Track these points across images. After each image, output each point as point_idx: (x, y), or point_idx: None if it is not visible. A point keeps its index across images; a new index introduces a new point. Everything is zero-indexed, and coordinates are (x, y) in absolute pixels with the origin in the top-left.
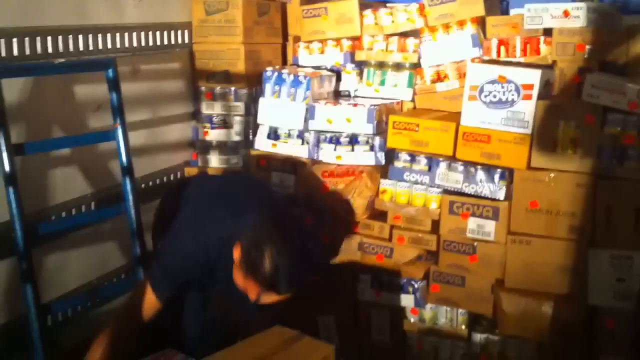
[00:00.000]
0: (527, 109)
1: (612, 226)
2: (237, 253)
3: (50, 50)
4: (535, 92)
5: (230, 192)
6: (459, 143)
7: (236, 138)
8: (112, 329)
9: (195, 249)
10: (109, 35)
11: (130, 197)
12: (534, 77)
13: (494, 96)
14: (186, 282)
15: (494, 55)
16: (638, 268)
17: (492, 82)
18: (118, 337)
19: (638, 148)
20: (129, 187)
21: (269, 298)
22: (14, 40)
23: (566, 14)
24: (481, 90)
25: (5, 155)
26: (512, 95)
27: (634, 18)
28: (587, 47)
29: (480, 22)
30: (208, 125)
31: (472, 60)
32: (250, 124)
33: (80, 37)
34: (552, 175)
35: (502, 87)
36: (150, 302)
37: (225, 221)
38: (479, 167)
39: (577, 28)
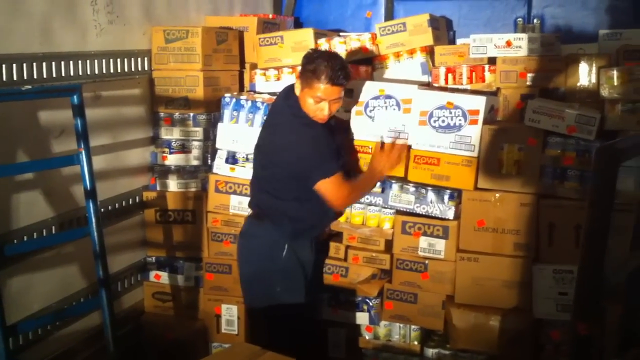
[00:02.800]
0: (474, 133)
1: (554, 242)
2: (297, 83)
3: (15, 77)
4: (480, 117)
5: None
6: (410, 165)
7: (195, 162)
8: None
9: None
10: (72, 62)
11: (94, 219)
12: (480, 103)
13: (443, 121)
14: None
15: (442, 83)
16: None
17: (441, 107)
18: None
19: (577, 169)
20: (92, 210)
21: (336, 99)
22: None
23: (509, 44)
24: (431, 116)
25: None
26: (460, 120)
27: (572, 47)
28: (529, 74)
29: (429, 51)
30: (167, 150)
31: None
32: (209, 149)
33: (45, 64)
34: (497, 195)
35: (450, 112)
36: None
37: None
38: (429, 188)
39: (519, 57)
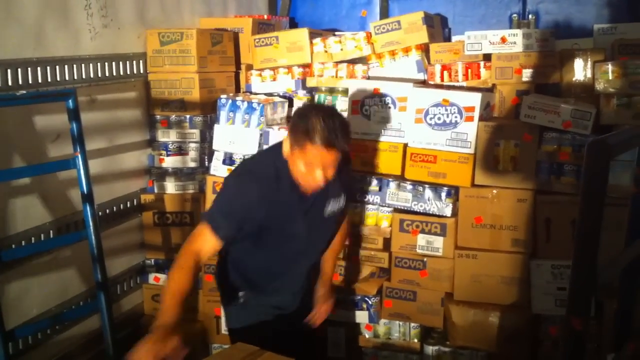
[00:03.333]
0: (470, 130)
1: (551, 238)
2: (286, 141)
3: (10, 82)
4: (476, 114)
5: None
6: (407, 164)
7: (192, 164)
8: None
9: (249, 184)
10: (66, 66)
11: (91, 223)
12: (475, 100)
13: (439, 118)
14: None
15: (437, 80)
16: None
17: (437, 105)
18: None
19: (573, 164)
20: (89, 213)
21: (331, 163)
22: None
23: (504, 40)
24: (426, 113)
25: None
26: (456, 117)
27: (566, 42)
28: (524, 70)
29: (425, 49)
30: (164, 152)
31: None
32: (206, 150)
33: (39, 68)
34: (494, 191)
35: (446, 109)
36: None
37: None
38: (426, 186)
39: (514, 53)
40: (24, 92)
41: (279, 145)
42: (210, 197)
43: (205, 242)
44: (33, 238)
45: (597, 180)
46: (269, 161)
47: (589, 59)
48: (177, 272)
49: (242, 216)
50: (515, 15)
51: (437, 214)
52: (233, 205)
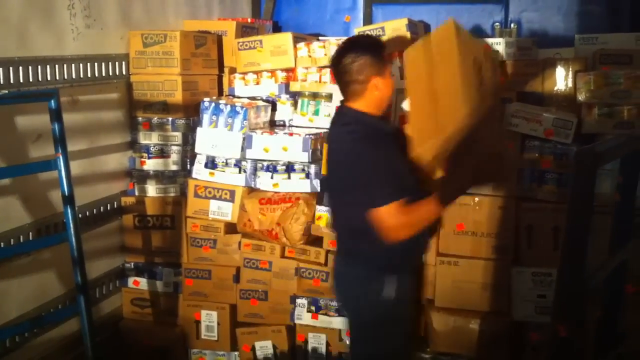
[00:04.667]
0: None
1: (533, 245)
2: (361, 100)
3: None
4: None
5: None
6: None
7: (174, 167)
8: None
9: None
10: (48, 66)
11: (72, 225)
12: None
13: None
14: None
15: None
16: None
17: None
18: None
19: (555, 172)
20: (70, 215)
21: None
22: None
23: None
24: None
25: None
26: None
27: (548, 52)
28: (506, 79)
29: None
30: (145, 154)
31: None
32: (188, 153)
33: (21, 68)
34: (476, 199)
35: None
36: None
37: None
38: None
39: (496, 61)
40: (6, 91)
41: (349, 111)
42: (192, 201)
43: (397, 214)
44: (12, 240)
45: (585, 188)
46: (367, 118)
47: (570, 68)
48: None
49: (396, 169)
50: (497, 23)
51: None
52: (386, 166)
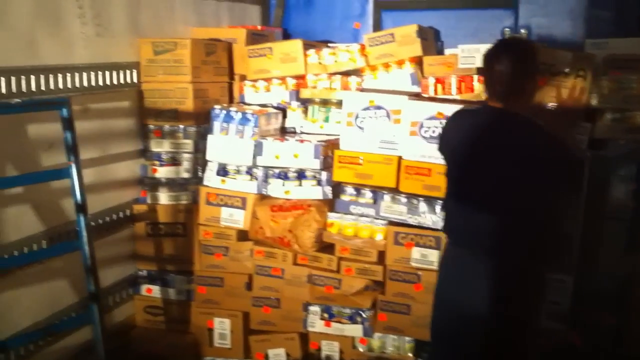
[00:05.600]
0: None
1: None
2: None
3: (3, 90)
4: None
5: None
6: (402, 176)
7: (185, 175)
8: None
9: None
10: (59, 75)
11: (84, 233)
12: None
13: (433, 131)
14: None
15: (431, 93)
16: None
17: (431, 118)
18: None
19: None
20: (82, 224)
21: None
22: None
23: None
24: (421, 126)
25: None
26: None
27: None
28: None
29: (418, 62)
30: (157, 162)
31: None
32: (199, 161)
33: (32, 77)
34: None
35: (440, 122)
36: None
37: None
38: (421, 199)
39: None
40: (18, 100)
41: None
42: (204, 208)
43: None
44: (25, 248)
45: (599, 193)
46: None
47: None
48: None
49: None
50: (507, 29)
51: (432, 227)
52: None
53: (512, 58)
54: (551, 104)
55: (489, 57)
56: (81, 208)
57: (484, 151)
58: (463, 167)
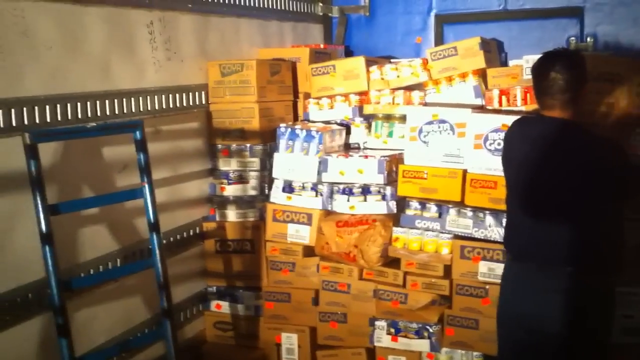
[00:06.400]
0: None
1: None
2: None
3: (79, 115)
4: None
5: None
6: (467, 190)
7: (252, 192)
8: None
9: None
10: (132, 99)
11: (157, 251)
12: None
13: (499, 144)
14: None
15: (495, 105)
16: None
17: (496, 130)
18: None
19: None
20: (155, 242)
21: None
22: (46, 106)
23: None
24: (486, 139)
25: (42, 215)
26: None
27: None
28: None
29: (481, 74)
30: (225, 181)
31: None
32: (266, 178)
33: (107, 101)
34: None
35: None
36: None
37: None
38: (487, 212)
39: None
40: (94, 124)
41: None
42: (270, 225)
43: None
44: (101, 266)
45: None
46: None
47: None
48: None
49: None
50: (573, 38)
51: (499, 240)
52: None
53: (567, 65)
54: (613, 112)
55: (541, 66)
56: (154, 227)
57: (552, 162)
58: (527, 179)
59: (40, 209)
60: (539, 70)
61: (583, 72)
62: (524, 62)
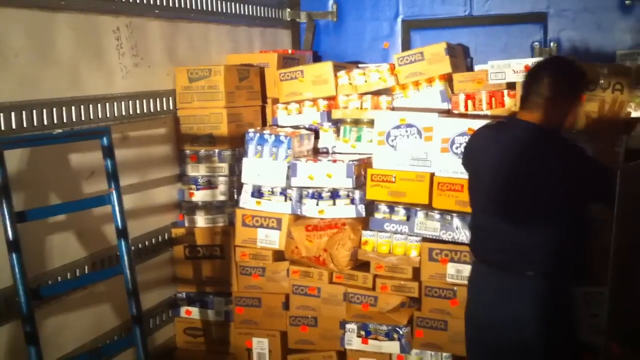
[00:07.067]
0: None
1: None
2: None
3: (45, 121)
4: None
5: None
6: (435, 193)
7: (221, 198)
8: None
9: None
10: (99, 105)
11: (126, 258)
12: None
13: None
14: None
15: (462, 109)
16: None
17: (462, 134)
18: None
19: None
20: (124, 248)
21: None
22: (12, 113)
23: (527, 68)
24: (452, 142)
25: (8, 223)
26: None
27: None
28: None
29: (448, 79)
30: (194, 186)
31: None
32: (235, 184)
33: (73, 108)
34: None
35: None
36: None
37: None
38: (454, 214)
39: None
40: (60, 131)
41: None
42: (240, 230)
43: None
44: (69, 274)
45: (632, 205)
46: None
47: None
48: None
49: None
50: (537, 43)
51: (466, 242)
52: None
53: (561, 69)
54: (590, 120)
55: (537, 66)
56: (122, 233)
57: (522, 167)
58: (498, 183)
59: (7, 216)
60: (534, 69)
61: (576, 81)
62: (489, 67)
